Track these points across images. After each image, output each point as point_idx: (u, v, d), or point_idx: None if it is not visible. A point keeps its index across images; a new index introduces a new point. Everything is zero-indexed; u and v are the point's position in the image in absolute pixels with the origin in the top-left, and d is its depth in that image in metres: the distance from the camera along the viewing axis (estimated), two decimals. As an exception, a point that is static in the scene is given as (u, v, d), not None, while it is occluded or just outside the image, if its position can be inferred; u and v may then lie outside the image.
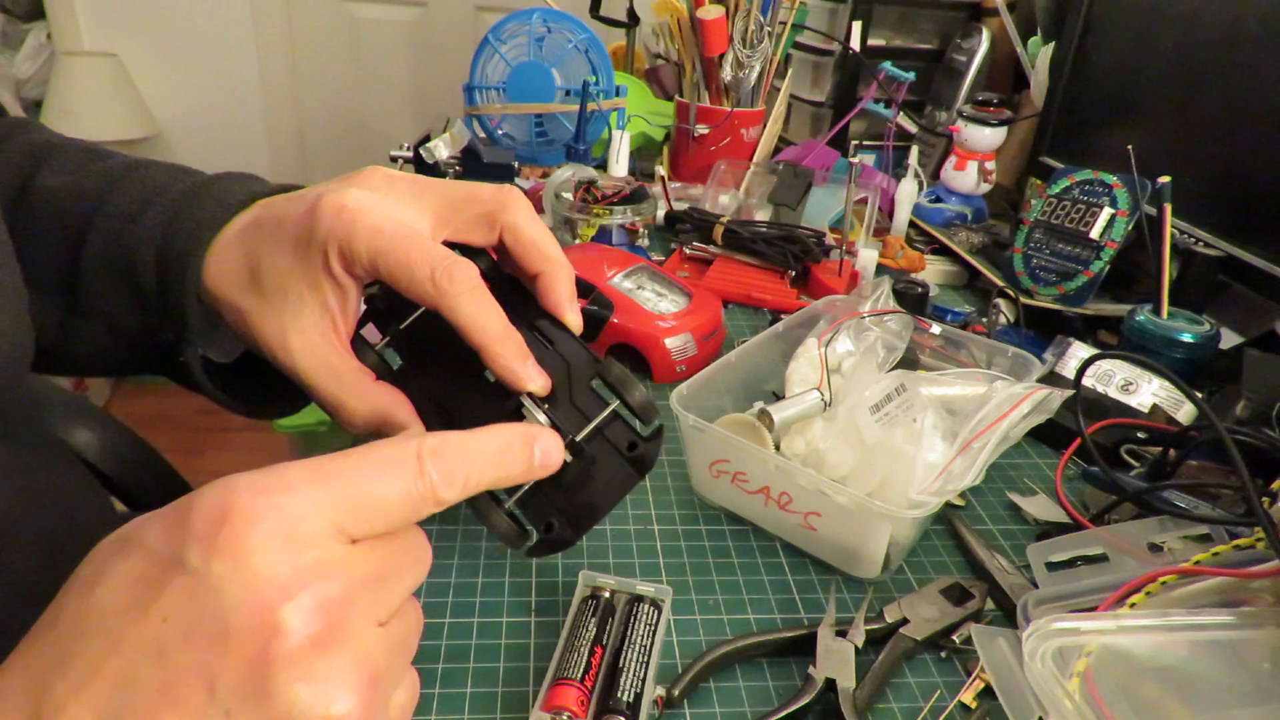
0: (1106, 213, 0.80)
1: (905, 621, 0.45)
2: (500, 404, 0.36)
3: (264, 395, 0.45)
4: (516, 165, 1.12)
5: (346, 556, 0.25)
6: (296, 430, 1.92)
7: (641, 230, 0.91)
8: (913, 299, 0.80)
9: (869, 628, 0.45)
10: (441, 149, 1.07)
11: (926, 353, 0.69)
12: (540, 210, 1.00)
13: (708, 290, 0.79)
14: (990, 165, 1.07)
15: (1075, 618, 0.38)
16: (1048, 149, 1.02)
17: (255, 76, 2.48)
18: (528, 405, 0.36)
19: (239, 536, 0.23)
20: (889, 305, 0.69)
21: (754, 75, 1.15)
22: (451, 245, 0.39)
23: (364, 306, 0.40)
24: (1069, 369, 0.70)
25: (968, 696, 0.42)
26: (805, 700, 0.40)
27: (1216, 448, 0.55)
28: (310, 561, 0.24)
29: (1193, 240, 0.77)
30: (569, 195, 0.90)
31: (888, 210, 1.07)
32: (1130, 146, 0.78)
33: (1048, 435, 0.65)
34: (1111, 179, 0.80)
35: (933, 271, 0.99)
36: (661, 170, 1.11)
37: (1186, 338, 0.69)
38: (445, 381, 0.38)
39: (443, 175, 1.05)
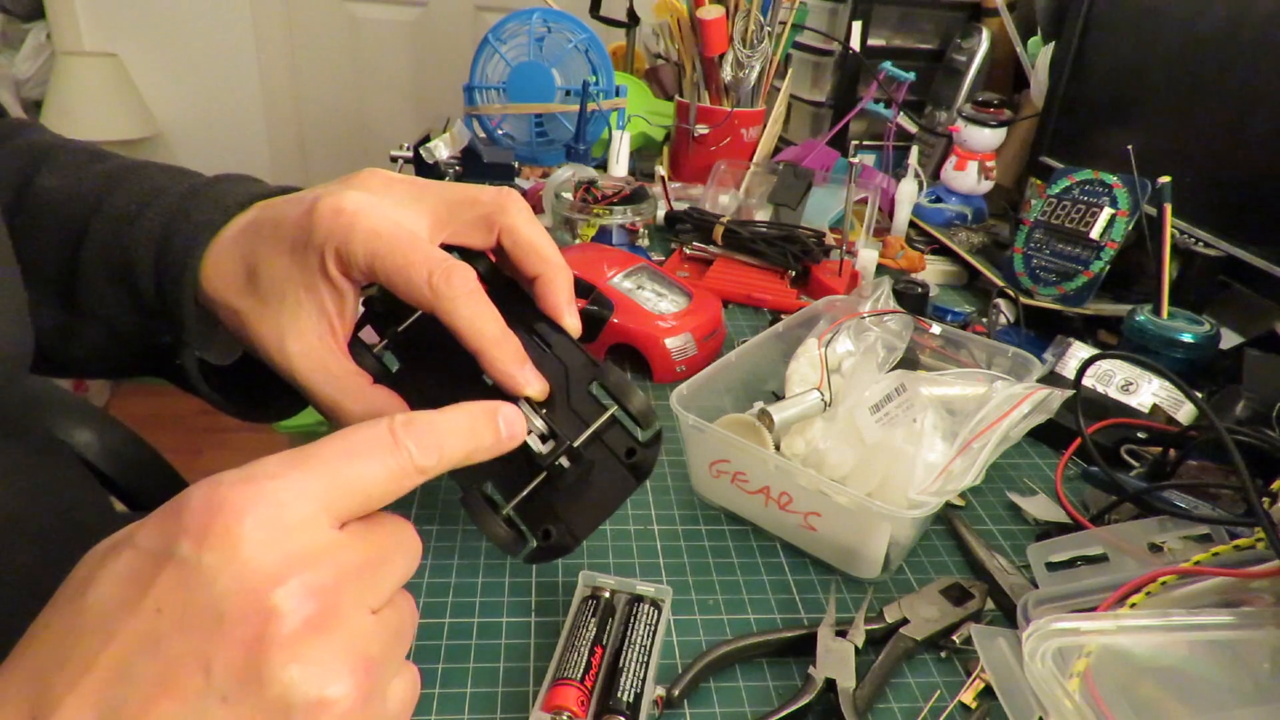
0: (1106, 213, 0.80)
1: (905, 621, 0.45)
2: None
3: (261, 398, 0.45)
4: (516, 165, 1.12)
5: (335, 542, 0.25)
6: (296, 430, 1.92)
7: (641, 230, 0.91)
8: (913, 299, 0.80)
9: (869, 628, 0.45)
10: (441, 149, 1.07)
11: (926, 353, 0.69)
12: (540, 211, 1.00)
13: (708, 290, 0.79)
14: (990, 165, 1.07)
15: (1075, 618, 0.38)
16: (1048, 149, 1.02)
17: (255, 76, 2.48)
18: (525, 410, 0.35)
19: (228, 526, 0.23)
20: (889, 305, 0.69)
21: (754, 75, 1.15)
22: (450, 248, 0.39)
23: (362, 309, 0.40)
24: (1069, 369, 0.70)
25: (968, 696, 0.42)
26: (805, 700, 0.40)
27: (1216, 448, 0.56)
28: (300, 547, 0.24)
29: (1193, 240, 0.77)
30: (569, 195, 0.90)
31: (888, 210, 1.07)
32: (1130, 146, 0.78)
33: (1048, 435, 0.65)
34: (1111, 179, 0.80)
35: (933, 271, 0.99)
36: (661, 170, 1.11)
37: (1186, 338, 0.69)
38: (443, 385, 0.38)
39: (442, 175, 1.05)
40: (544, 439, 0.36)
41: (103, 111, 2.26)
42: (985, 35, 1.18)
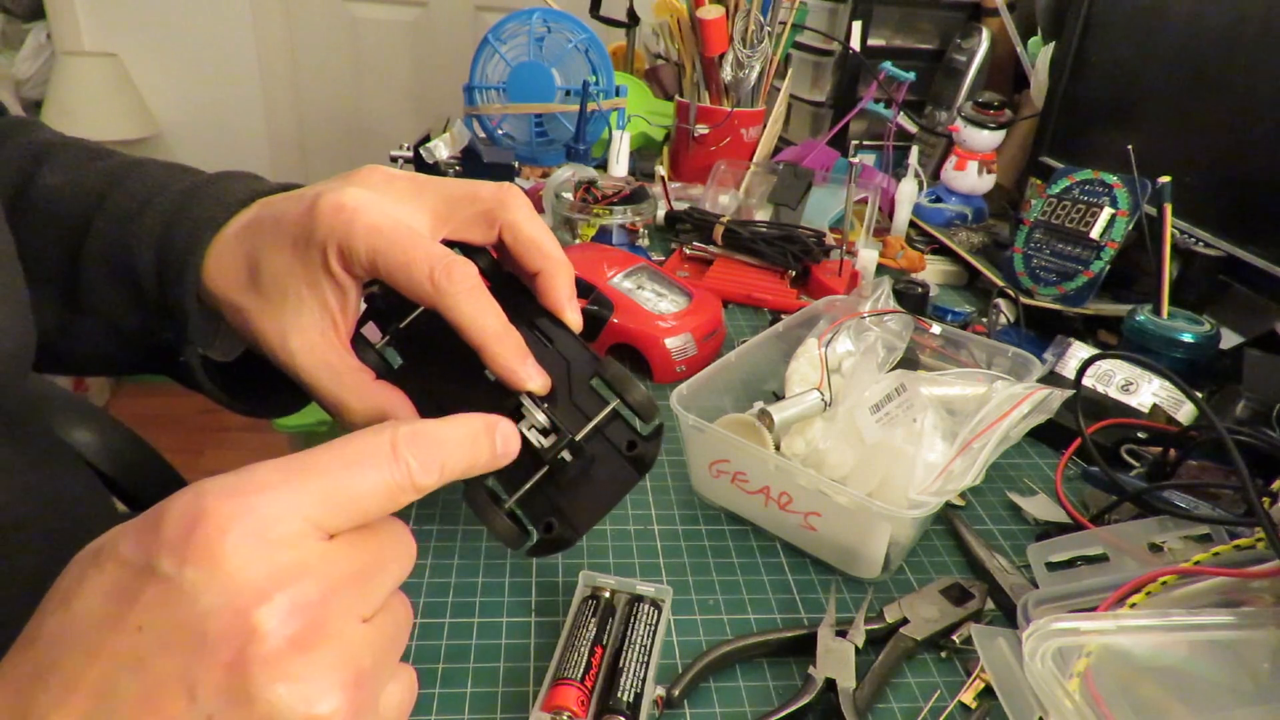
0: (1106, 213, 0.80)
1: (905, 621, 0.45)
2: (500, 403, 0.36)
3: (264, 394, 0.45)
4: (516, 165, 1.12)
5: (324, 554, 0.25)
6: (296, 430, 1.92)
7: (641, 230, 0.91)
8: (913, 299, 0.80)
9: (869, 628, 0.45)
10: (441, 149, 1.07)
11: (926, 353, 0.69)
12: (540, 210, 1.00)
13: (708, 290, 0.79)
14: (990, 165, 1.07)
15: (1075, 618, 0.38)
16: (1048, 149, 1.02)
17: (255, 76, 2.48)
18: (527, 404, 0.36)
19: (211, 541, 0.23)
20: (889, 305, 0.69)
21: (754, 75, 1.15)
22: (451, 244, 0.39)
23: (364, 305, 0.40)
24: (1069, 369, 0.70)
25: (968, 696, 0.42)
26: (805, 700, 0.40)
27: (1216, 448, 0.56)
28: (286, 562, 0.23)
29: (1193, 240, 0.77)
30: (569, 195, 0.90)
31: (888, 210, 1.07)
32: (1130, 146, 0.78)
33: (1048, 435, 0.65)
34: (1111, 179, 0.80)
35: (933, 271, 0.99)
36: (661, 170, 1.11)
37: (1186, 338, 0.69)
38: (445, 380, 0.38)
39: (442, 175, 1.05)
40: (546, 433, 0.36)
41: (103, 111, 2.26)
42: (985, 35, 1.18)
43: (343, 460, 0.26)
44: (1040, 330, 0.81)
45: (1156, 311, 0.72)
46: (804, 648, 0.44)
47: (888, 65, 1.15)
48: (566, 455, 0.36)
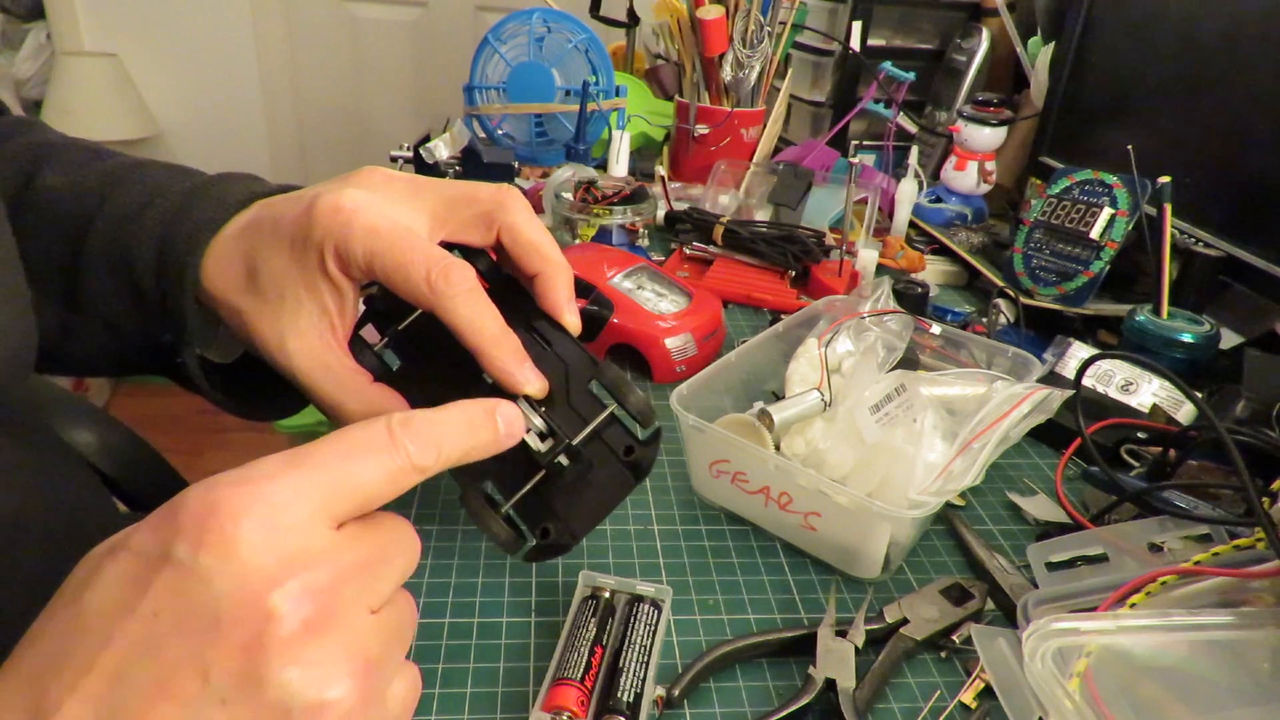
0: (1106, 213, 0.80)
1: (905, 621, 0.45)
2: None
3: (262, 396, 0.45)
4: (516, 165, 1.12)
5: (333, 543, 0.25)
6: (296, 430, 1.92)
7: (641, 230, 0.91)
8: (913, 299, 0.80)
9: (869, 628, 0.45)
10: (441, 149, 1.07)
11: (926, 353, 0.69)
12: (540, 210, 1.00)
13: (708, 290, 0.79)
14: (990, 165, 1.07)
15: (1075, 618, 0.38)
16: (1048, 149, 1.02)
17: (255, 76, 2.48)
18: (524, 408, 0.36)
19: (225, 529, 0.23)
20: (889, 305, 0.69)
21: (754, 75, 1.15)
22: (450, 246, 0.39)
23: (363, 307, 0.40)
24: (1069, 369, 0.70)
25: (968, 696, 0.42)
26: (805, 700, 0.40)
27: (1216, 448, 0.56)
28: (297, 548, 0.24)
29: (1193, 240, 0.77)
30: (569, 195, 0.90)
31: (888, 210, 1.07)
32: (1130, 146, 0.78)
33: (1048, 435, 0.65)
34: (1111, 179, 0.80)
35: (933, 271, 0.99)
36: (661, 170, 1.11)
37: (1186, 338, 0.69)
38: (443, 383, 0.38)
39: (442, 175, 1.05)
40: (543, 437, 0.36)
41: (103, 111, 2.26)
42: (985, 35, 1.18)
43: (343, 450, 0.26)
44: (1040, 330, 0.81)
45: (1156, 311, 0.72)
46: (804, 648, 0.44)
47: (888, 65, 1.15)
48: (564, 460, 0.36)
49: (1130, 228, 0.78)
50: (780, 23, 1.16)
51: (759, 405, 0.57)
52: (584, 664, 0.40)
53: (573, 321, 0.39)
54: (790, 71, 1.30)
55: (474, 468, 0.32)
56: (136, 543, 0.24)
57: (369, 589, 0.26)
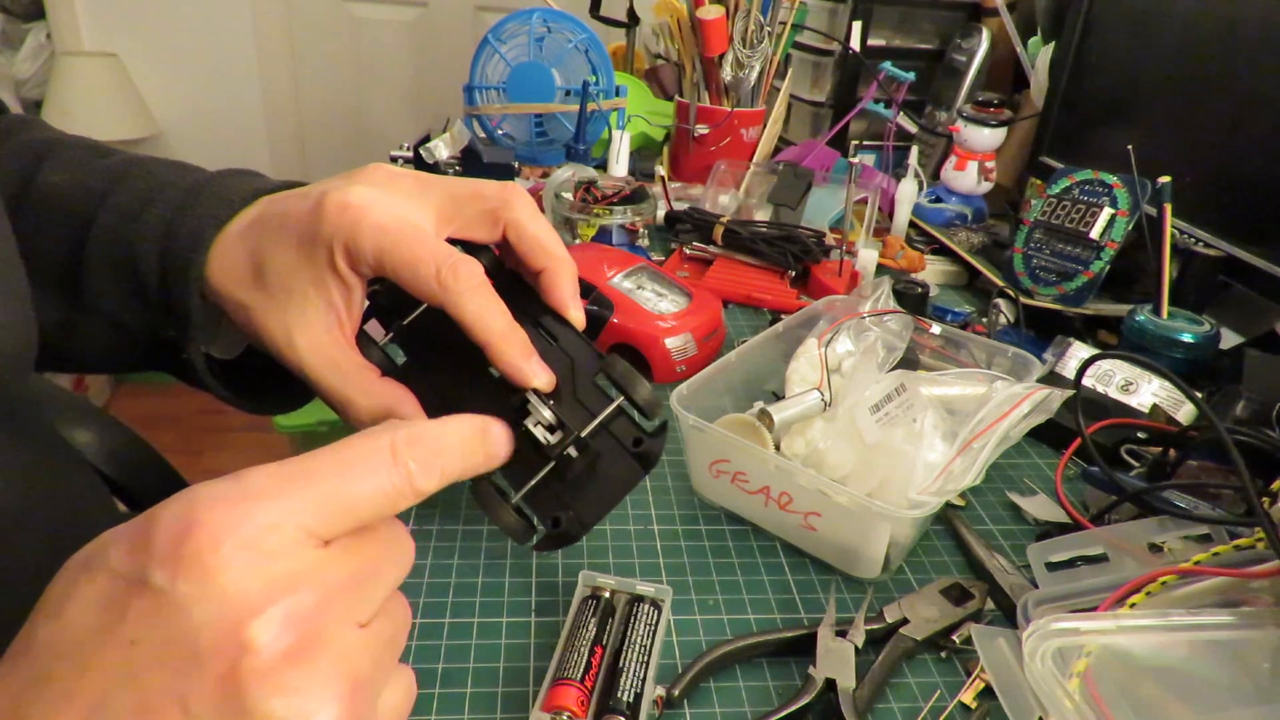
0: (1106, 213, 0.80)
1: (905, 621, 0.45)
2: (505, 400, 0.36)
3: (266, 391, 0.45)
4: (516, 165, 1.12)
5: (319, 562, 0.24)
6: (297, 430, 1.92)
7: (641, 230, 0.91)
8: (913, 299, 0.80)
9: (869, 628, 0.45)
10: (441, 149, 1.07)
11: (926, 353, 0.69)
12: (540, 210, 1.00)
13: (708, 290, 0.79)
14: (990, 165, 1.07)
15: (1075, 618, 0.38)
16: (1048, 149, 1.02)
17: (255, 76, 2.48)
18: (533, 401, 0.36)
19: (204, 553, 0.22)
20: (889, 305, 0.69)
21: (754, 75, 1.15)
22: (455, 242, 0.39)
23: (366, 303, 0.40)
24: (1069, 369, 0.70)
25: (968, 696, 0.42)
26: (805, 700, 0.40)
27: (1216, 448, 0.55)
28: (280, 573, 0.23)
29: (1193, 240, 0.77)
30: (569, 195, 0.90)
31: (888, 210, 1.07)
32: (1130, 146, 0.78)
33: (1048, 435, 0.65)
34: (1111, 179, 0.80)
35: (933, 271, 0.99)
36: (661, 170, 1.11)
37: (1186, 338, 0.69)
38: (450, 377, 0.38)
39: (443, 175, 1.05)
40: (551, 429, 0.36)
41: (103, 111, 2.26)
42: (985, 35, 1.18)
43: (341, 464, 0.26)
44: (1040, 330, 0.81)
45: (1156, 311, 0.72)
46: (804, 648, 0.44)
47: (888, 65, 1.15)
48: (572, 451, 0.36)
49: (1130, 228, 0.78)
50: (780, 23, 1.16)
51: (759, 405, 0.57)
52: (584, 664, 0.40)
53: (578, 316, 0.39)
54: (790, 71, 1.30)
55: None
56: (114, 561, 0.23)
57: (358, 604, 0.25)
